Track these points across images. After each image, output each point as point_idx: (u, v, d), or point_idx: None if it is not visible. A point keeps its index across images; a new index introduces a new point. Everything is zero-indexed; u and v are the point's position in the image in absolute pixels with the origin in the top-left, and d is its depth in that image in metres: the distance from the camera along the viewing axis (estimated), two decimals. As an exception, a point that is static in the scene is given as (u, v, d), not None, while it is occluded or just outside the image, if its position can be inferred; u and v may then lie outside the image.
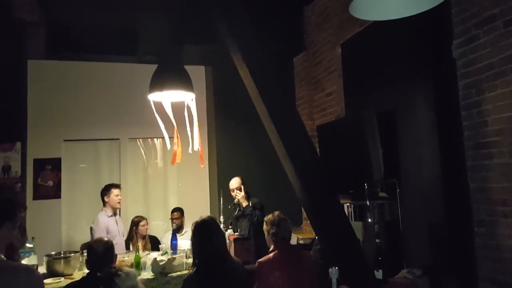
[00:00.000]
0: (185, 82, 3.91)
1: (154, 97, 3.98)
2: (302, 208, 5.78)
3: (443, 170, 3.32)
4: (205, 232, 2.72)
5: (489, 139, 2.94)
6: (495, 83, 2.89)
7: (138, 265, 3.66)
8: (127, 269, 2.02)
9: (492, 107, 2.92)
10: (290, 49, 6.03)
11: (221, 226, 4.30)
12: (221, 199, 4.85)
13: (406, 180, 3.62)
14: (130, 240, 4.91)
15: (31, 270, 1.69)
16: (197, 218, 5.36)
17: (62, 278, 3.48)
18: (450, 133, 3.32)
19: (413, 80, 3.65)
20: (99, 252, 2.62)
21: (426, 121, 3.51)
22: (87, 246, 2.83)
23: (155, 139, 6.10)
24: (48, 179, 5.45)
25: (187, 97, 4.10)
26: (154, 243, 5.06)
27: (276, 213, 3.08)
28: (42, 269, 3.70)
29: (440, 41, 3.40)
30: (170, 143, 4.25)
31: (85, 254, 3.93)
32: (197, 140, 4.14)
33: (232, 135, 5.95)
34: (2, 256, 1.68)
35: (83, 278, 2.79)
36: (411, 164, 3.65)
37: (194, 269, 2.65)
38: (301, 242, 5.17)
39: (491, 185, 2.92)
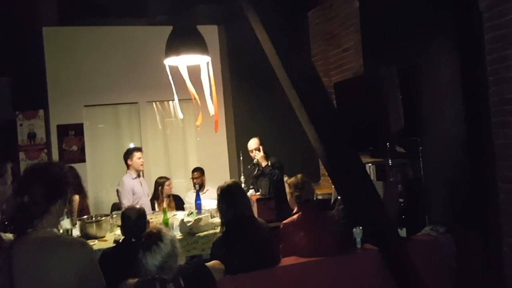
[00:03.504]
0: (201, 45, 3.87)
1: (170, 61, 3.97)
2: (320, 164, 5.85)
3: (467, 126, 3.29)
4: (231, 197, 2.79)
5: (515, 95, 2.89)
6: (524, 37, 2.80)
7: (166, 226, 3.81)
8: (168, 234, 2.10)
9: (520, 62, 2.84)
10: (304, 3, 5.84)
11: (243, 185, 4.41)
12: (241, 158, 4.93)
13: (429, 138, 3.59)
14: (155, 199, 5.08)
15: (84, 243, 1.81)
16: (217, 176, 5.50)
17: (96, 241, 3.65)
18: (475, 88, 3.26)
19: (437, 33, 3.53)
20: (133, 219, 2.74)
21: (450, 76, 3.43)
22: (121, 214, 2.95)
23: (171, 102, 6.14)
24: (72, 144, 5.60)
25: (203, 60, 4.08)
26: (177, 202, 5.24)
27: (299, 176, 3.12)
28: (75, 232, 3.88)
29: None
30: (182, 112, 4.34)
31: (115, 216, 4.13)
32: (211, 105, 4.16)
33: (248, 95, 5.92)
34: (56, 231, 1.79)
35: (119, 244, 2.93)
36: (433, 121, 3.60)
37: (222, 232, 2.76)
38: (319, 197, 5.25)
39: (516, 142, 2.90)
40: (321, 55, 5.74)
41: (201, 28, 3.94)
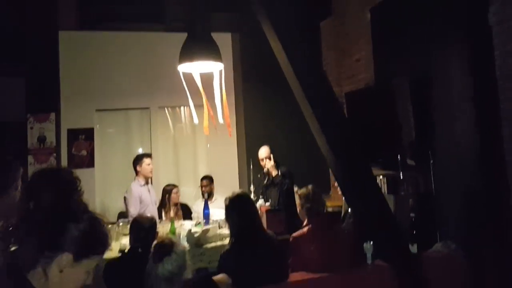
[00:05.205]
0: (215, 52, 3.87)
1: (184, 68, 3.97)
2: (330, 176, 5.79)
3: (479, 139, 3.23)
4: (239, 208, 2.75)
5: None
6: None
7: (173, 236, 3.77)
8: (180, 246, 2.07)
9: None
10: (316, 13, 5.84)
11: (252, 195, 4.36)
12: (251, 167, 4.89)
13: (440, 150, 3.55)
14: (162, 207, 5.04)
15: None
16: (226, 185, 5.44)
17: (102, 249, 3.61)
18: (487, 101, 3.21)
19: (448, 45, 3.51)
20: (146, 228, 2.70)
21: (461, 89, 3.39)
22: (132, 221, 2.90)
23: (182, 108, 6.14)
24: (82, 149, 5.60)
25: (216, 68, 4.07)
26: (185, 211, 5.18)
27: (310, 187, 3.08)
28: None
29: (476, 6, 3.22)
30: (197, 117, 4.29)
31: (121, 224, 4.08)
32: (220, 113, 4.14)
33: (260, 103, 5.91)
34: None
35: (124, 254, 2.89)
36: (445, 133, 3.56)
37: (231, 244, 2.72)
38: (329, 209, 5.18)
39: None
40: (333, 64, 5.72)
41: (215, 36, 3.94)
